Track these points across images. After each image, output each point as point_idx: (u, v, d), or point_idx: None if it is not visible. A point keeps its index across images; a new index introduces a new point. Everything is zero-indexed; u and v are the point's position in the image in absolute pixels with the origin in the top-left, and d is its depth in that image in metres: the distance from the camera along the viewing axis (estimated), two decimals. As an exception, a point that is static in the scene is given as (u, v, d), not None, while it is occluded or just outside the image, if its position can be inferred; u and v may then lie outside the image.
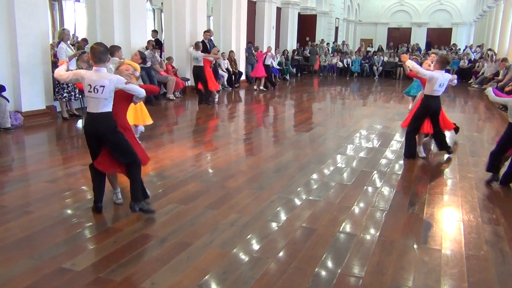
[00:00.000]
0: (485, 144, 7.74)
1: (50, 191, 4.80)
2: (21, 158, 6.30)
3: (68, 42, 9.22)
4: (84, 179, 5.23)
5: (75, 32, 15.94)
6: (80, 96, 9.43)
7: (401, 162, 6.36)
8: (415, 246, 3.68)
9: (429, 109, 6.35)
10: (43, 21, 8.69)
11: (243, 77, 16.48)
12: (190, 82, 13.74)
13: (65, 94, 8.69)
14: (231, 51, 15.49)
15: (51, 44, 10.48)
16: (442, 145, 6.69)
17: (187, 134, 8.07)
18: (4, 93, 7.73)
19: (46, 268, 3.16)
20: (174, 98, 12.19)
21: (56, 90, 8.76)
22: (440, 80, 6.10)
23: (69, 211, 4.23)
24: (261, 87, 15.18)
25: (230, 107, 12.21)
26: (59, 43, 8.92)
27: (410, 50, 23.33)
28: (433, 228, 4.09)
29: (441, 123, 6.72)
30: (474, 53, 21.84)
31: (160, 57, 12.91)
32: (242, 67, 16.45)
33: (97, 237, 3.70)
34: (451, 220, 4.31)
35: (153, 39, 13.00)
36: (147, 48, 11.52)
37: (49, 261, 3.26)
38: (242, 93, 14.83)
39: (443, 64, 6.19)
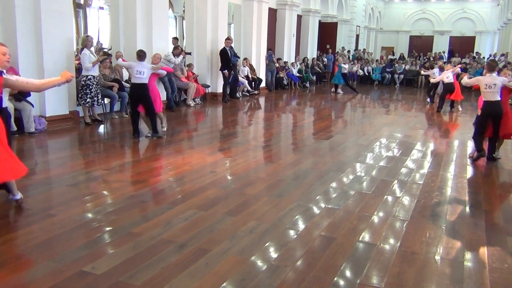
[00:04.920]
0: (509, 154, 7.57)
1: (72, 195, 4.87)
2: (44, 162, 6.43)
3: (92, 48, 9.39)
4: (105, 184, 5.31)
5: (98, 38, 16.24)
6: (103, 101, 9.59)
7: (423, 171, 6.27)
8: (436, 257, 3.61)
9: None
10: (68, 28, 8.89)
11: (263, 84, 16.53)
12: (211, 89, 13.87)
13: (88, 100, 8.84)
14: (246, 58, 15.48)
15: (77, 49, 10.71)
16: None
17: (207, 140, 8.11)
18: (29, 98, 7.91)
19: (67, 271, 3.20)
20: (194, 104, 12.28)
21: (80, 95, 8.92)
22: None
23: (90, 215, 4.28)
24: (163, 127, 8.49)
25: (250, 114, 12.24)
26: (82, 49, 9.10)
27: (432, 59, 23.08)
28: (455, 239, 4.01)
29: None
30: (498, 62, 21.46)
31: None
32: (262, 74, 16.51)
33: (117, 241, 3.74)
34: (473, 232, 4.22)
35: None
36: (176, 54, 11.48)
37: (69, 264, 3.31)
38: (261, 100, 14.86)
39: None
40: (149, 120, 7.85)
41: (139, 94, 7.67)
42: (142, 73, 7.54)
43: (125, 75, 10.39)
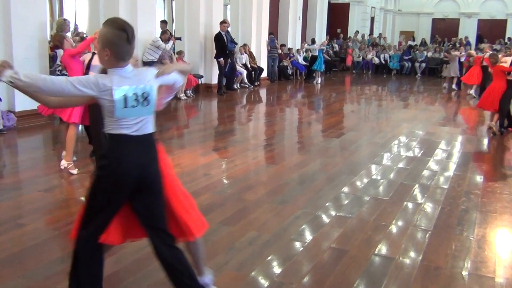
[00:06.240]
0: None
1: (46, 201, 4.86)
2: (13, 164, 6.42)
3: (68, 34, 9.36)
4: (84, 188, 5.29)
5: (75, 22, 16.21)
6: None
7: (448, 174, 6.26)
8: (463, 273, 3.61)
9: None
10: (41, 11, 8.86)
11: (264, 74, 16.51)
12: (205, 80, 13.84)
13: (63, 92, 8.82)
14: (245, 44, 15.47)
15: (51, 36, 10.66)
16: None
17: (200, 138, 8.11)
18: (-5, 91, 7.90)
19: (40, 289, 3.19)
20: (185, 97, 12.27)
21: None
22: None
23: (66, 224, 4.27)
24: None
25: (249, 108, 12.23)
26: (58, 35, 9.06)
27: (459, 45, 23.05)
28: (485, 252, 4.00)
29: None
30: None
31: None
32: (263, 62, 16.48)
33: (97, 254, 3.72)
34: (506, 243, 4.22)
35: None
36: (165, 40, 11.38)
37: (43, 281, 3.30)
38: (262, 92, 14.86)
39: None
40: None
41: None
42: None
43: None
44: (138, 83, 2.64)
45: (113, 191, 2.65)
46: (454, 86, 16.63)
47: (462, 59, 17.13)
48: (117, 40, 2.54)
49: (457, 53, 17.39)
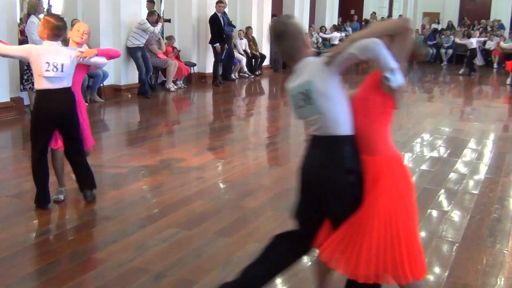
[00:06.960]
0: None
1: (15, 208, 4.86)
2: (-22, 165, 6.42)
3: (41, 15, 9.36)
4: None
5: (49, 2, 16.22)
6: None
7: (478, 177, 6.25)
8: (496, 291, 3.61)
9: None
10: (9, -12, 8.86)
11: (266, 62, 16.48)
12: (198, 68, 13.82)
13: (35, 83, 8.82)
14: (249, 27, 15.45)
15: (20, 19, 10.67)
16: None
17: (192, 136, 8.10)
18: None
19: (8, 309, 3.20)
20: (176, 88, 12.26)
21: (25, 78, 8.90)
22: None
23: (38, 235, 4.28)
24: None
25: (249, 101, 12.22)
26: (29, 16, 9.06)
27: (490, 28, 23.00)
28: (521, 267, 4.01)
29: None
30: None
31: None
32: (265, 49, 16.45)
33: (74, 269, 3.73)
34: (545, 257, 4.21)
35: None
36: (153, 22, 11.36)
37: (12, 300, 3.30)
38: (265, 82, 14.85)
39: None
40: (79, 167, 5.12)
41: (58, 113, 4.76)
42: (59, 67, 4.67)
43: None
44: (302, 78, 2.70)
45: (299, 188, 2.92)
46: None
47: (476, 46, 17.99)
48: (272, 41, 2.81)
49: (463, 41, 18.45)
